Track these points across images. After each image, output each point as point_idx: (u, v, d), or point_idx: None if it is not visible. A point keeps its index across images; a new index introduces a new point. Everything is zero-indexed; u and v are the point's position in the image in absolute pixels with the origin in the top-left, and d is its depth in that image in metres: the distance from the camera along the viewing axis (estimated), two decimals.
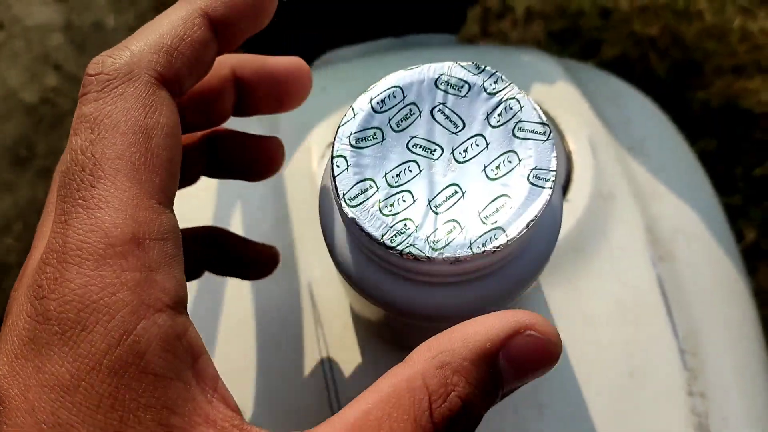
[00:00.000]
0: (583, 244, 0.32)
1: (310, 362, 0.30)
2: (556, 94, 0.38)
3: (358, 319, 0.30)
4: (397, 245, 0.20)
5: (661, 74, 1.44)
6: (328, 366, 0.30)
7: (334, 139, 0.21)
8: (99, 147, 0.18)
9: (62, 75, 1.69)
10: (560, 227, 0.23)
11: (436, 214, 0.20)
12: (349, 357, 0.29)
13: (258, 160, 0.28)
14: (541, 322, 0.18)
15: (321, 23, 0.56)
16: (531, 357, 0.17)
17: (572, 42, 1.54)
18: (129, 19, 1.76)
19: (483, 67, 0.22)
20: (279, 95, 0.27)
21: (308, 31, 0.58)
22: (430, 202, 0.21)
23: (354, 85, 0.39)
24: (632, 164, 0.37)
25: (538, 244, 0.22)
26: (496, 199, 0.21)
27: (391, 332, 0.28)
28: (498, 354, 0.17)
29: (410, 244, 0.20)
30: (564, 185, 0.34)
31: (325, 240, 0.23)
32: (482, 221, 0.20)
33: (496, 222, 0.20)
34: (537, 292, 0.31)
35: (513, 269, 0.22)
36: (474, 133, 0.21)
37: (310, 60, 0.53)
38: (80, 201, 0.18)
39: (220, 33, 0.22)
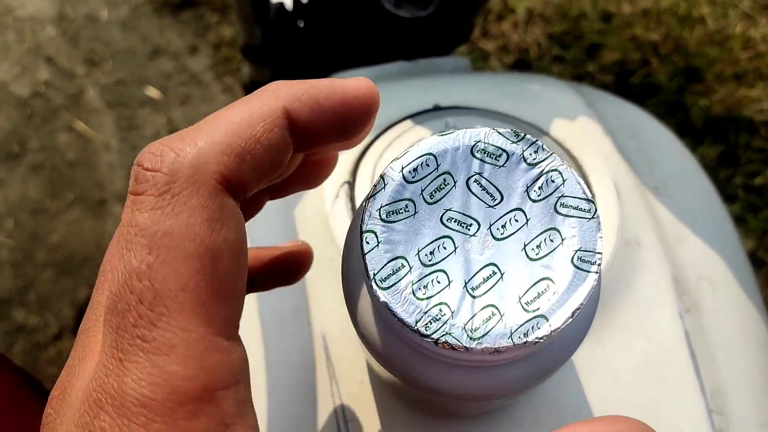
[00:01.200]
0: (609, 296, 0.31)
1: (324, 419, 0.28)
2: (579, 130, 0.37)
3: (375, 377, 0.29)
4: (433, 333, 0.18)
5: (662, 80, 1.43)
6: (343, 423, 0.29)
7: (363, 211, 0.20)
8: (159, 274, 0.16)
9: (54, 68, 1.65)
10: (598, 301, 0.22)
11: (473, 297, 0.19)
12: (365, 415, 0.28)
13: (288, 269, 0.26)
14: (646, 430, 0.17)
15: (333, 44, 0.54)
16: None
17: (573, 45, 1.53)
18: (123, 12, 1.73)
19: (522, 135, 0.20)
20: (344, 131, 0.21)
21: (320, 52, 0.57)
22: (466, 284, 0.19)
23: None
24: (657, 206, 0.35)
25: (577, 323, 0.21)
26: (537, 282, 0.19)
27: (412, 396, 0.27)
28: None
29: (446, 332, 0.18)
30: None
31: (349, 313, 0.22)
32: (523, 308, 0.19)
33: (538, 309, 0.18)
34: None
35: (551, 350, 0.21)
36: (513, 207, 0.20)
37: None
38: (139, 341, 0.15)
39: (300, 137, 0.20)
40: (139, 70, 1.65)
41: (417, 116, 0.38)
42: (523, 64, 1.54)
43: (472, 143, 0.20)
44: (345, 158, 0.36)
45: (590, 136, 0.37)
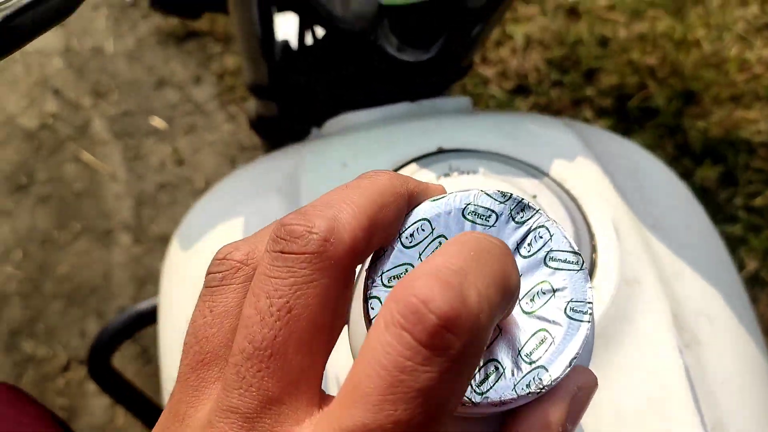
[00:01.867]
0: (611, 334, 0.32)
1: None
2: (578, 170, 0.38)
3: None
4: None
5: (660, 103, 1.45)
6: None
7: (366, 278, 0.21)
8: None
9: (61, 100, 1.68)
10: (592, 347, 0.23)
11: None
12: None
13: None
14: (583, 379, 0.19)
15: (337, 84, 0.56)
16: (584, 403, 0.20)
17: (571, 70, 1.56)
18: (128, 44, 1.76)
19: (509, 195, 0.22)
20: None
21: (324, 90, 0.58)
22: None
23: (375, 162, 0.39)
24: (655, 243, 0.37)
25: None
26: (534, 334, 0.20)
27: None
28: None
29: None
30: (589, 271, 0.34)
31: None
32: (524, 360, 0.20)
33: (538, 360, 0.20)
34: None
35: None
36: None
37: (324, 118, 0.53)
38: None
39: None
40: (144, 101, 1.68)
41: (422, 159, 0.40)
42: (522, 89, 1.56)
43: (463, 206, 0.22)
44: None
45: (589, 176, 0.38)
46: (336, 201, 0.19)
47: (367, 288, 0.21)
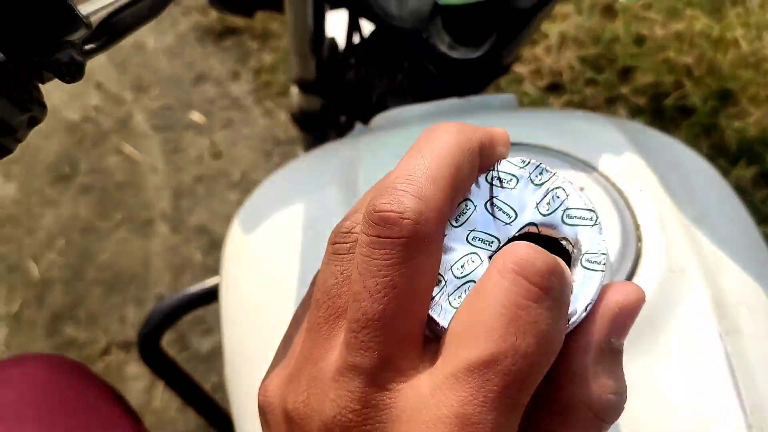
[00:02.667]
0: (656, 320, 0.34)
1: None
2: (624, 165, 0.40)
3: None
4: None
5: (696, 102, 1.45)
6: None
7: None
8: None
9: (104, 94, 1.73)
10: None
11: None
12: None
13: None
14: (625, 292, 0.22)
15: (383, 80, 0.58)
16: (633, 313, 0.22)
17: (606, 68, 1.56)
18: (168, 40, 1.81)
19: (528, 161, 0.23)
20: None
21: (371, 86, 0.60)
22: None
23: None
24: (698, 236, 0.38)
25: None
26: None
27: None
28: None
29: None
30: (634, 260, 0.36)
31: None
32: None
33: None
34: None
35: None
36: (526, 222, 0.23)
37: (370, 114, 0.55)
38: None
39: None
40: (183, 96, 1.72)
41: None
42: (556, 86, 1.57)
43: (486, 173, 0.24)
44: None
45: (635, 171, 0.40)
46: (417, 175, 0.21)
47: None
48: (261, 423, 0.24)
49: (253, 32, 1.80)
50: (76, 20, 0.25)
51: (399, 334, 0.20)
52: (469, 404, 0.18)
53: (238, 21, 1.80)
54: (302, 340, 0.23)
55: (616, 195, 0.38)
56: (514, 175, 0.23)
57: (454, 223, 0.23)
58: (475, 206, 0.23)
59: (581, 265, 0.22)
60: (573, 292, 0.21)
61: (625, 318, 0.21)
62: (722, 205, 0.42)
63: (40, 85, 0.28)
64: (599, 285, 0.22)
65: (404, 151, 0.22)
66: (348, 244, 0.22)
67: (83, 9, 0.26)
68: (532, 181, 0.23)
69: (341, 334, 0.21)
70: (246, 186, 1.54)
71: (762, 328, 0.36)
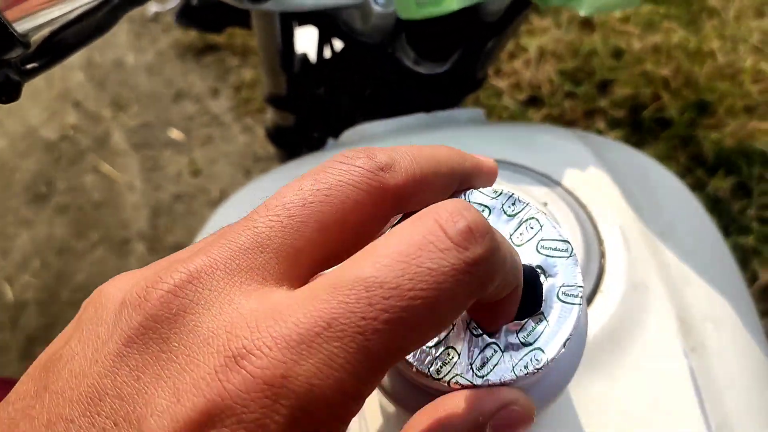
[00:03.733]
0: (619, 337, 0.33)
1: None
2: (587, 179, 0.40)
3: (388, 415, 0.31)
4: (444, 376, 0.21)
5: (674, 114, 1.46)
6: None
7: None
8: None
9: (82, 112, 1.72)
10: (586, 336, 0.24)
11: (476, 337, 0.21)
12: None
13: None
14: (524, 399, 0.20)
15: (353, 95, 0.57)
16: (513, 424, 0.20)
17: (584, 81, 1.57)
18: (148, 57, 1.80)
19: (500, 191, 0.23)
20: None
21: (341, 102, 0.60)
22: (468, 325, 0.21)
23: None
24: (663, 250, 0.38)
25: (569, 353, 0.23)
26: (530, 317, 0.22)
27: None
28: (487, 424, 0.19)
29: (456, 374, 0.21)
30: (597, 276, 0.35)
31: None
32: (521, 342, 0.21)
33: (534, 343, 0.21)
34: (575, 389, 0.32)
35: (547, 381, 0.23)
36: None
37: (341, 129, 0.55)
38: None
39: None
40: (163, 113, 1.71)
41: None
42: (535, 100, 1.58)
43: None
44: None
45: (598, 185, 0.39)
46: (400, 150, 0.21)
47: None
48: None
49: (234, 49, 1.80)
50: (12, 39, 0.24)
51: (301, 236, 0.18)
52: (323, 317, 0.16)
53: (218, 38, 1.79)
54: None
55: (579, 209, 0.38)
56: (486, 206, 0.23)
57: None
58: None
59: (558, 298, 0.22)
60: (550, 328, 0.21)
61: (514, 418, 0.20)
62: (688, 219, 0.41)
63: None
64: (577, 318, 0.21)
65: None
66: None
67: (20, 27, 0.25)
68: (505, 212, 0.23)
69: None
70: None
71: (728, 344, 0.36)
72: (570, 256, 0.22)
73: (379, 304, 0.16)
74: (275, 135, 0.81)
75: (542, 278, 0.22)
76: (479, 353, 0.21)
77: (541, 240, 0.22)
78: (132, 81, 1.79)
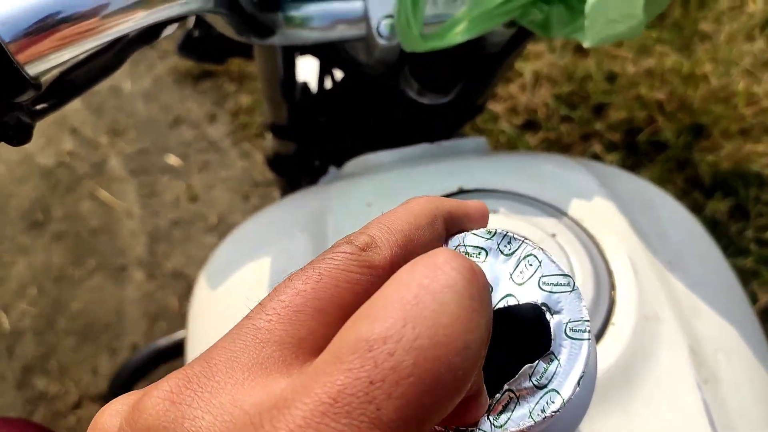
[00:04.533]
0: (632, 369, 0.33)
1: None
2: (594, 209, 0.40)
3: None
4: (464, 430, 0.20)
5: (669, 137, 1.47)
6: None
7: None
8: None
9: (79, 138, 1.72)
10: (596, 370, 0.24)
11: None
12: None
13: None
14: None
15: (355, 125, 0.58)
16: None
17: (580, 105, 1.58)
18: (145, 84, 1.80)
19: (495, 231, 0.23)
20: None
21: (343, 131, 0.60)
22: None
23: (399, 201, 0.40)
24: (671, 281, 0.38)
25: (583, 389, 0.23)
26: (542, 358, 0.21)
27: None
28: None
29: (476, 428, 0.20)
30: (608, 308, 0.35)
31: None
32: (535, 385, 0.21)
33: (548, 385, 0.21)
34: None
35: (561, 421, 0.23)
36: (504, 294, 0.22)
37: (342, 158, 0.55)
38: None
39: None
40: (160, 139, 1.71)
41: None
42: (531, 124, 1.59)
43: (453, 247, 0.23)
44: None
45: (605, 215, 0.39)
46: (374, 225, 0.21)
47: None
48: None
49: (231, 75, 1.81)
50: (24, 82, 0.24)
51: (299, 325, 0.18)
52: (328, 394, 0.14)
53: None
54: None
55: (588, 240, 0.38)
56: (482, 248, 0.23)
57: None
58: None
59: (566, 335, 0.21)
60: (562, 367, 0.21)
61: None
62: (694, 246, 0.41)
63: None
64: (588, 354, 0.21)
65: (373, 200, 0.21)
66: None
67: (31, 70, 0.25)
68: (502, 252, 0.23)
69: None
70: (223, 229, 1.52)
71: (740, 375, 0.36)
72: (573, 290, 0.22)
73: (386, 361, 0.14)
74: (275, 163, 0.81)
75: (548, 316, 0.22)
76: (495, 402, 0.21)
77: (542, 276, 0.22)
78: (129, 107, 1.79)
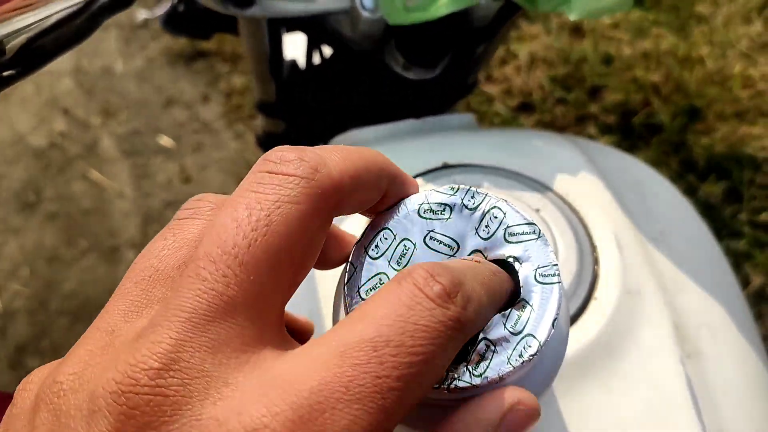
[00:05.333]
0: (614, 344, 0.33)
1: None
2: (580, 185, 0.39)
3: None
4: (442, 383, 0.20)
5: (664, 120, 1.46)
6: None
7: (345, 296, 0.22)
8: None
9: (71, 119, 1.70)
10: (569, 313, 0.24)
11: None
12: None
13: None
14: (526, 396, 0.19)
15: (343, 101, 0.57)
16: (522, 423, 0.19)
17: (575, 87, 1.57)
18: (137, 64, 1.79)
19: (457, 187, 0.23)
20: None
21: (331, 108, 0.59)
22: None
23: None
24: (657, 256, 0.37)
25: (557, 337, 0.22)
26: (514, 305, 0.21)
27: None
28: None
29: (454, 378, 0.20)
30: (591, 282, 0.35)
31: None
32: (510, 332, 0.21)
33: (523, 330, 0.21)
34: (569, 399, 0.31)
35: (540, 366, 0.22)
36: (470, 250, 0.22)
37: (331, 135, 0.54)
38: None
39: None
40: (152, 120, 1.70)
41: (427, 174, 0.41)
42: (526, 106, 1.58)
43: (416, 207, 0.23)
44: (363, 218, 0.38)
45: (591, 190, 0.39)
46: (326, 149, 0.20)
47: (347, 305, 0.22)
48: None
49: (224, 55, 1.79)
50: None
51: (259, 284, 0.17)
52: (338, 383, 0.15)
53: (208, 44, 1.79)
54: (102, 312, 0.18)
55: (572, 215, 0.37)
56: (446, 204, 0.23)
57: (397, 267, 0.22)
58: (414, 244, 0.22)
59: (536, 280, 0.21)
60: (535, 312, 0.21)
61: (521, 417, 0.19)
62: (682, 224, 0.41)
63: None
64: (559, 297, 0.21)
65: None
66: (192, 210, 0.20)
67: None
68: (466, 206, 0.23)
69: (155, 306, 0.17)
70: None
71: (724, 351, 0.35)
72: (539, 237, 0.22)
73: (389, 362, 0.16)
74: (266, 142, 0.80)
75: (516, 265, 0.22)
76: (472, 352, 0.20)
77: (508, 227, 0.22)
78: (121, 88, 1.77)
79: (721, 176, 1.39)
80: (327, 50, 0.64)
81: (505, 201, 0.23)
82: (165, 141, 1.65)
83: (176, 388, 0.15)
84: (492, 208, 0.22)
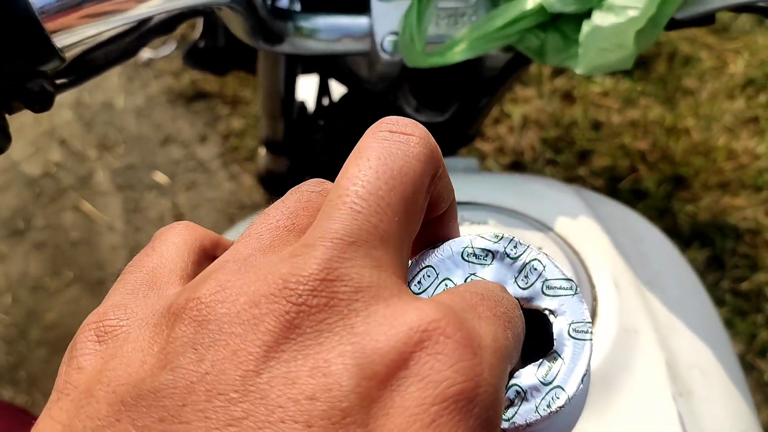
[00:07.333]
0: (611, 379, 0.34)
1: None
2: (579, 228, 0.41)
3: None
4: None
5: (650, 186, 1.50)
6: None
7: None
8: None
9: (67, 150, 1.71)
10: (590, 373, 0.25)
11: None
12: None
13: None
14: None
15: (351, 142, 0.59)
16: None
17: (565, 150, 1.61)
18: (138, 101, 1.81)
19: (501, 235, 0.24)
20: None
21: (339, 148, 0.61)
22: None
23: None
24: (651, 298, 0.39)
25: (582, 390, 0.24)
26: (545, 357, 0.22)
27: None
28: None
29: None
30: (591, 314, 0.36)
31: None
32: (540, 382, 0.22)
33: (553, 381, 0.22)
34: None
35: (561, 417, 0.23)
36: None
37: (336, 175, 0.56)
38: None
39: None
40: (149, 156, 1.71)
41: None
42: (517, 165, 1.62)
43: (461, 249, 0.24)
44: None
45: (590, 233, 0.41)
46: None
47: None
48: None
49: (225, 98, 1.83)
50: (52, 51, 0.25)
51: (398, 224, 0.17)
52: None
53: (210, 86, 1.82)
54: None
55: (572, 255, 0.39)
56: (489, 251, 0.23)
57: None
58: (456, 285, 0.23)
59: (569, 335, 0.22)
60: (566, 365, 0.21)
61: None
62: (673, 270, 0.43)
63: (7, 116, 0.28)
64: (590, 354, 0.22)
65: None
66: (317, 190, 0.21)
67: (59, 41, 0.26)
68: (508, 255, 0.23)
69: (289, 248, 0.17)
70: None
71: (713, 392, 0.37)
72: (575, 293, 0.23)
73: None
74: (266, 179, 0.82)
75: (552, 318, 0.23)
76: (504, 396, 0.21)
77: (546, 280, 0.23)
78: (120, 123, 1.80)
79: (704, 244, 1.42)
80: (335, 95, 0.67)
81: (546, 255, 0.23)
82: (159, 177, 1.67)
83: (346, 293, 0.15)
84: (533, 260, 0.23)
